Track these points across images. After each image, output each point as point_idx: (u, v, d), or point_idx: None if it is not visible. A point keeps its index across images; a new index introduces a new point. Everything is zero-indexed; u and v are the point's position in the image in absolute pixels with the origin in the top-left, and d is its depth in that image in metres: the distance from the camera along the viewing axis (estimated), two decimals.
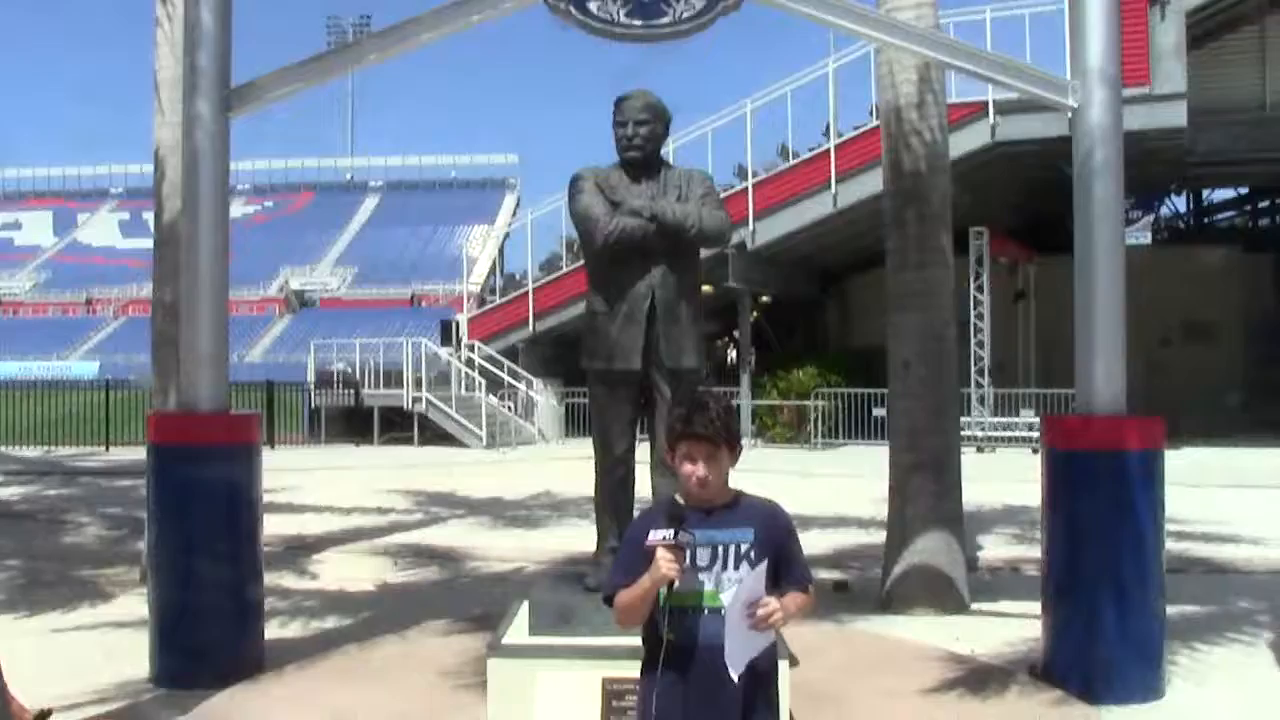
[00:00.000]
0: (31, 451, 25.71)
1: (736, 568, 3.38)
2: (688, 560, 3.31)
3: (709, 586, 3.37)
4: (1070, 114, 6.94)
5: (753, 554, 3.38)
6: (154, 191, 10.23)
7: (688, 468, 3.41)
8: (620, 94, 6.08)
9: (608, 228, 5.84)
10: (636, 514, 6.19)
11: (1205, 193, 40.95)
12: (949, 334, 9.24)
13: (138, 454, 21.86)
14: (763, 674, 3.45)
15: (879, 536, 10.62)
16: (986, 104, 22.43)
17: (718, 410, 3.42)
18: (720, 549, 3.39)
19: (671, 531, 3.29)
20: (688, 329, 5.95)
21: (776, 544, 3.46)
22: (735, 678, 3.29)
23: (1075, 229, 6.95)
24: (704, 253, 6.40)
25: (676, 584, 3.31)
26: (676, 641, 3.35)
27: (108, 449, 25.78)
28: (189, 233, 7.16)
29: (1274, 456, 21.08)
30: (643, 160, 6.03)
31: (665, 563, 3.26)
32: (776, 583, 3.39)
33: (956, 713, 6.27)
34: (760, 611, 3.26)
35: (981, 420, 24.45)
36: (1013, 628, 8.08)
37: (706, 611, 3.36)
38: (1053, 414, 20.20)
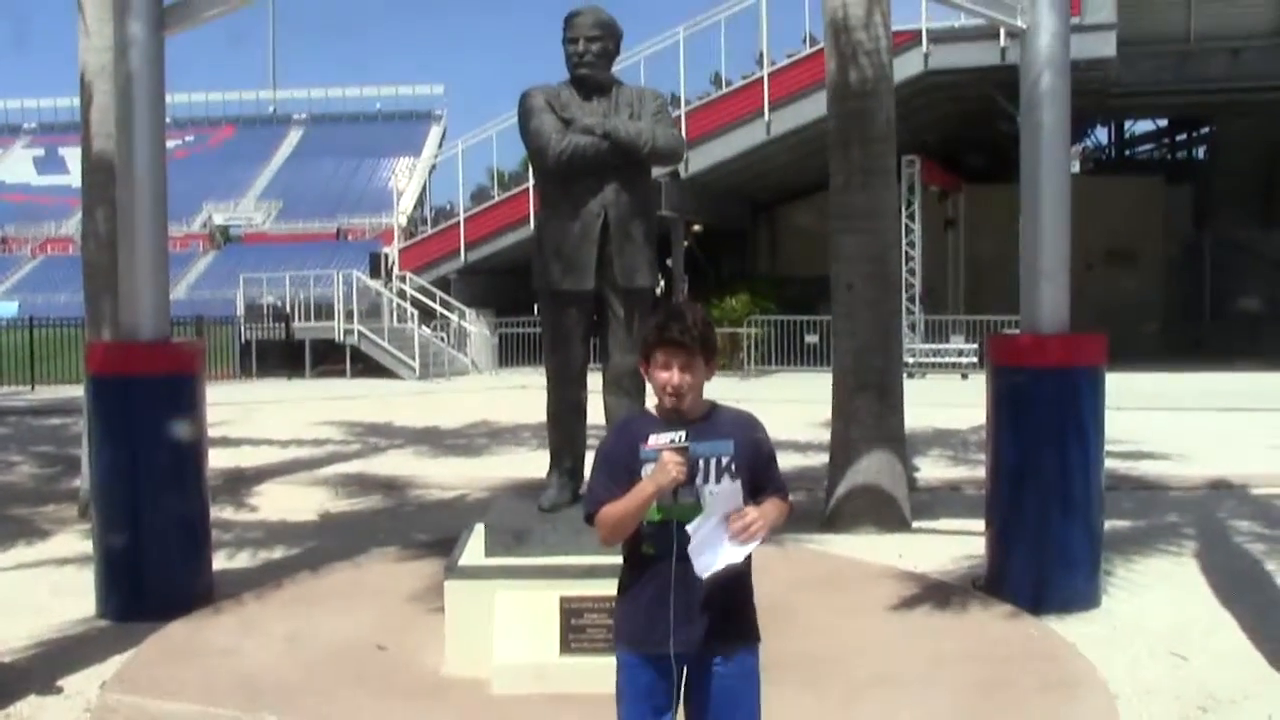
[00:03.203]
0: None
1: (719, 480, 3.28)
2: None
3: (690, 500, 3.26)
4: (1019, 37, 6.98)
5: (733, 466, 3.29)
6: (81, 118, 9.93)
7: (663, 375, 3.28)
8: (571, 10, 6.02)
9: (559, 145, 5.78)
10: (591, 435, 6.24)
11: (1127, 125, 41.44)
12: (892, 256, 9.33)
13: (64, 392, 21.73)
14: (742, 589, 3.39)
15: (816, 459, 10.77)
16: (920, 32, 22.44)
17: (695, 318, 3.30)
18: (702, 462, 3.27)
19: (681, 434, 3.18)
20: (641, 247, 5.93)
21: (756, 455, 3.37)
22: (704, 576, 3.22)
23: (1021, 153, 7.00)
24: None
25: (680, 490, 3.21)
26: (658, 557, 3.28)
27: (33, 388, 25.23)
28: (124, 157, 6.98)
29: (1190, 380, 21.74)
30: (594, 77, 5.97)
31: (674, 465, 3.15)
32: (755, 494, 3.32)
33: (909, 626, 6.36)
34: (741, 523, 3.19)
35: (912, 346, 24.66)
36: (954, 545, 8.24)
37: (689, 526, 3.23)
38: (981, 340, 20.49)
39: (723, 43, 26.76)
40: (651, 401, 3.45)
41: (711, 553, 3.21)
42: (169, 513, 6.82)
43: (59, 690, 5.48)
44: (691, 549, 3.20)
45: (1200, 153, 39.93)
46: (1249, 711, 5.18)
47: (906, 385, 9.92)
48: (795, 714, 4.79)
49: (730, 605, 3.35)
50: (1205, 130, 37.77)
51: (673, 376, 3.28)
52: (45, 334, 26.67)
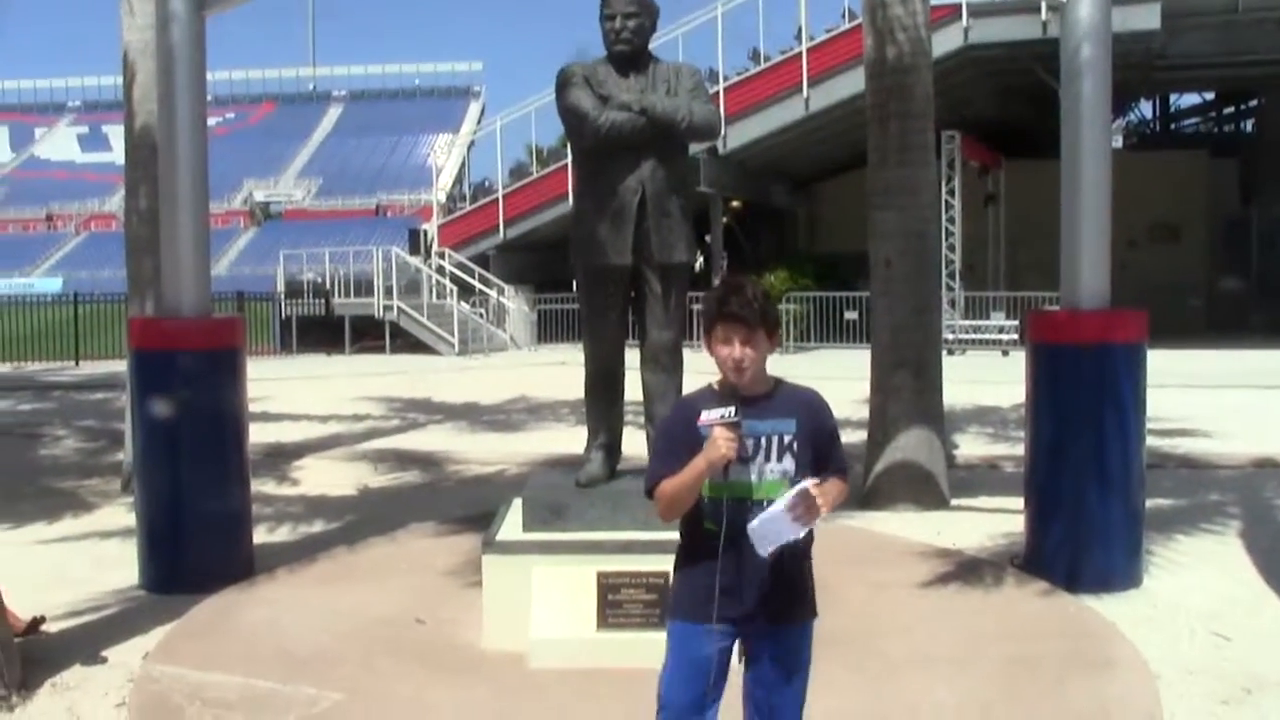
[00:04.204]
0: (1, 368, 25.44)
1: (780, 459, 3.27)
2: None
3: (751, 479, 3.24)
4: (1059, 9, 6.90)
5: (795, 445, 3.28)
6: (124, 96, 10.05)
7: (724, 350, 3.25)
8: None
9: (597, 122, 5.78)
10: (626, 412, 6.25)
11: (1172, 99, 40.92)
12: (930, 231, 9.27)
13: (108, 367, 21.92)
14: (800, 565, 3.37)
15: (854, 436, 10.65)
16: (960, 6, 22.25)
17: (755, 293, 3.27)
18: (763, 440, 3.25)
19: (730, 409, 3.14)
20: (678, 223, 5.92)
21: (818, 434, 3.34)
22: (766, 554, 3.19)
23: (1062, 126, 6.92)
24: None
25: (732, 467, 3.17)
26: (716, 533, 3.24)
27: (77, 363, 25.54)
28: (166, 134, 7.05)
29: (1234, 358, 21.45)
30: (631, 54, 5.96)
31: (724, 441, 3.11)
32: (816, 472, 3.28)
33: (946, 603, 6.36)
34: (804, 505, 3.14)
35: (952, 323, 24.51)
36: (993, 522, 8.22)
37: (749, 504, 3.21)
38: (1022, 316, 20.36)
39: (761, 18, 26.68)
40: (714, 376, 3.41)
41: (774, 534, 3.19)
42: (210, 486, 6.89)
43: (103, 660, 5.55)
44: (753, 532, 3.18)
45: (1247, 126, 39.34)
46: None
47: (946, 362, 9.87)
48: (834, 690, 4.77)
49: (787, 580, 3.34)
50: (1252, 103, 37.18)
51: (734, 350, 3.26)
52: (89, 310, 27.01)
